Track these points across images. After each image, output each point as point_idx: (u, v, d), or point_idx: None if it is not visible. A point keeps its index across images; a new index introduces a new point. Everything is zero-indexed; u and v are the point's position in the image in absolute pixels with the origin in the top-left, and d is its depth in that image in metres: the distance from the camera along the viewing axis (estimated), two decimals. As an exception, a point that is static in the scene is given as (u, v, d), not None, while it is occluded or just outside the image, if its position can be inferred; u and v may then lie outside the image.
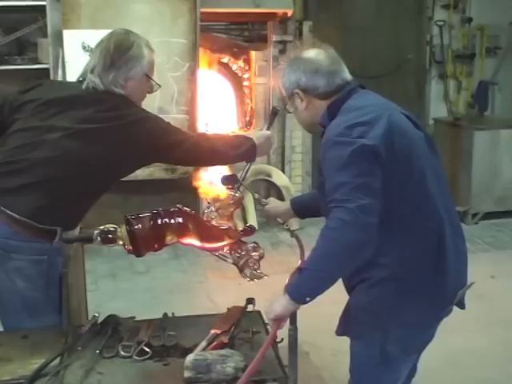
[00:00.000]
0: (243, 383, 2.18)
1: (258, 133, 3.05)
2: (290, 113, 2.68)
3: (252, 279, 2.72)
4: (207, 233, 2.68)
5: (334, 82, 2.52)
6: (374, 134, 2.27)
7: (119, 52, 2.75)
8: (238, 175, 2.87)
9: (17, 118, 2.73)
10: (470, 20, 7.84)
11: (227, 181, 2.81)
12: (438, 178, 2.49)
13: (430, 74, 8.00)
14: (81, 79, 2.81)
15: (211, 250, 2.73)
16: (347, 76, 2.59)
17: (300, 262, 2.60)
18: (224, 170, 2.95)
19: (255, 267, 2.71)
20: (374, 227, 2.15)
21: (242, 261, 2.72)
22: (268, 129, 3.03)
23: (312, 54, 2.57)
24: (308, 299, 2.20)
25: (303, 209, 3.01)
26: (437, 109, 8.01)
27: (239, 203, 2.86)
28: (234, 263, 2.73)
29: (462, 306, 2.52)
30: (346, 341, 2.56)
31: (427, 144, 2.52)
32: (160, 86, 2.92)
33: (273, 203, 3.05)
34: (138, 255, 2.61)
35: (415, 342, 2.48)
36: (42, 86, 2.87)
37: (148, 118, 2.76)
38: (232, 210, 2.81)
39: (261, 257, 2.74)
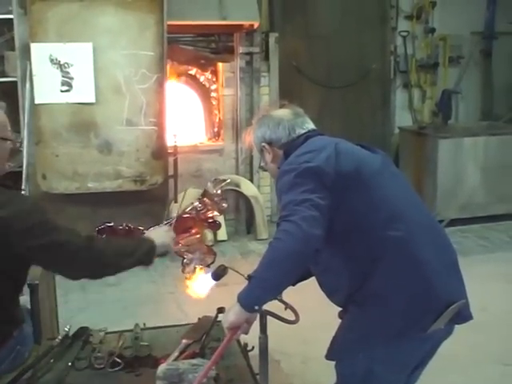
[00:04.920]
0: None
1: (157, 231, 2.73)
2: (266, 171, 2.78)
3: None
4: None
5: (296, 132, 2.60)
6: (318, 158, 2.36)
7: None
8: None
9: None
10: (433, 30, 7.99)
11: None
12: (406, 193, 2.53)
13: (395, 83, 8.12)
14: None
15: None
16: (310, 126, 2.67)
17: None
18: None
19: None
20: (316, 238, 2.19)
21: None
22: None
23: (278, 111, 2.71)
24: (256, 307, 2.21)
25: None
26: (402, 118, 8.13)
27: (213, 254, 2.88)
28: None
29: (465, 319, 2.46)
30: (315, 348, 2.59)
31: (388, 165, 2.56)
32: (20, 142, 2.63)
33: None
34: None
35: (403, 360, 2.44)
36: None
37: (22, 211, 2.35)
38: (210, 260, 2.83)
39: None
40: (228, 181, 3.02)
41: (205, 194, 2.85)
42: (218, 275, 2.50)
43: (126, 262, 2.52)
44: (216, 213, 2.84)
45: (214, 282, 2.54)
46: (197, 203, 2.81)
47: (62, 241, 2.35)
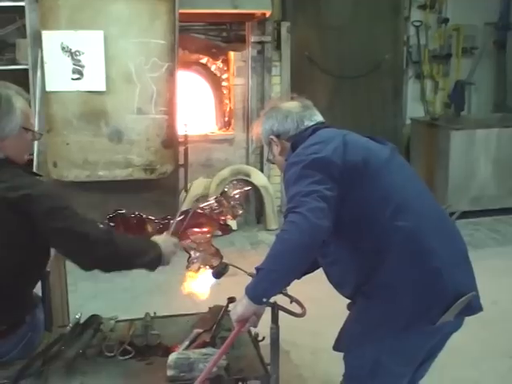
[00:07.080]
0: (200, 381, 2.21)
1: (166, 242, 2.69)
2: (273, 163, 2.78)
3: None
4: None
5: (304, 125, 2.61)
6: (326, 149, 2.35)
7: None
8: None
9: None
10: (446, 20, 7.93)
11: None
12: (414, 184, 2.52)
13: (407, 74, 8.07)
14: None
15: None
16: (318, 118, 2.67)
17: None
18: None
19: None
20: (323, 229, 2.19)
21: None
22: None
23: (286, 103, 2.72)
24: (264, 299, 2.21)
25: None
26: (414, 109, 8.09)
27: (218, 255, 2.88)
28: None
29: (474, 311, 2.43)
30: (324, 339, 2.58)
31: (395, 156, 2.55)
32: (42, 134, 2.63)
33: None
34: None
35: (411, 353, 2.42)
36: None
37: (45, 193, 2.39)
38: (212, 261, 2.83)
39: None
40: (249, 188, 3.02)
41: (223, 194, 2.84)
42: (219, 273, 2.51)
43: (137, 262, 2.53)
44: (229, 216, 2.84)
45: (214, 280, 2.56)
46: (213, 201, 2.81)
47: (82, 230, 2.37)
